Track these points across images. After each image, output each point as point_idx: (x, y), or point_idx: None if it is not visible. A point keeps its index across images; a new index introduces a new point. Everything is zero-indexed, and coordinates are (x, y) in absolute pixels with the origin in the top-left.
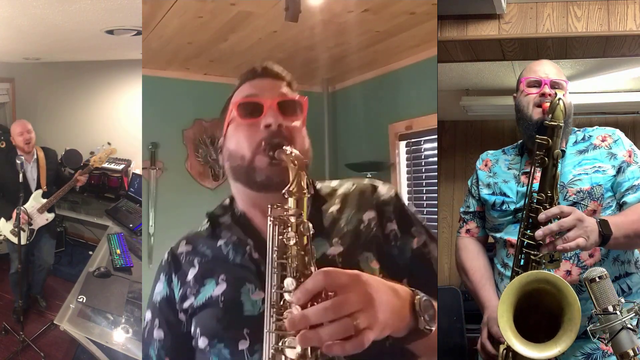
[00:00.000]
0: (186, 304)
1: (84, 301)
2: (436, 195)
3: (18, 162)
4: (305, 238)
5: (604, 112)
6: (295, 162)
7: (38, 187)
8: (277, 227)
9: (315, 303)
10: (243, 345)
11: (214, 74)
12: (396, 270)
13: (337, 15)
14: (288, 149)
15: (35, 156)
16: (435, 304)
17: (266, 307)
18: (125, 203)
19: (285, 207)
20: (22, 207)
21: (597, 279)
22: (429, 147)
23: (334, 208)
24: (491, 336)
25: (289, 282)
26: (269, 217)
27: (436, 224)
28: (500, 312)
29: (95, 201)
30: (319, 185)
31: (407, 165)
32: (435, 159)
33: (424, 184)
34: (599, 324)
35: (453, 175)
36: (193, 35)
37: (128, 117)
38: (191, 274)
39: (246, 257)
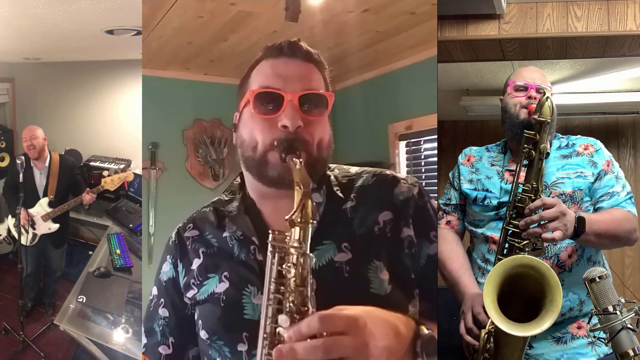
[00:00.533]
0: (190, 294)
1: (84, 301)
2: (436, 195)
3: (18, 162)
4: (305, 271)
5: (604, 112)
6: (301, 185)
7: (45, 194)
8: (277, 257)
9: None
10: (242, 347)
11: (214, 74)
12: (407, 282)
13: (337, 15)
14: (298, 163)
15: (46, 163)
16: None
17: (259, 339)
18: (125, 203)
19: (287, 234)
20: (21, 208)
21: (597, 279)
22: (429, 147)
23: (348, 205)
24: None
25: (283, 319)
26: (269, 243)
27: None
28: (485, 292)
29: (95, 201)
30: (336, 171)
31: (407, 165)
32: (435, 159)
33: (424, 184)
34: (599, 324)
35: None
36: (193, 35)
37: (128, 117)
38: (195, 264)
39: (250, 257)
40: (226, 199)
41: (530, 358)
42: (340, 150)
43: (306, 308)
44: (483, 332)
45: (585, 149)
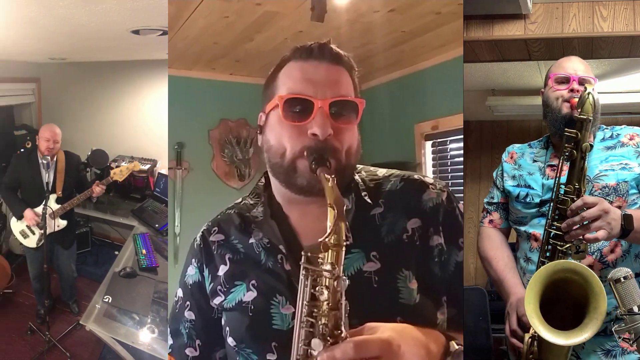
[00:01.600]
0: (217, 300)
1: (110, 301)
2: (462, 195)
3: (44, 162)
4: (338, 294)
5: (630, 112)
6: (334, 206)
7: (53, 191)
8: (309, 280)
9: None
10: (271, 357)
11: (240, 74)
12: (436, 289)
13: (363, 15)
14: (331, 180)
15: (54, 160)
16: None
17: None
18: (151, 203)
19: (321, 256)
20: (33, 209)
21: (622, 279)
22: (455, 147)
23: (377, 211)
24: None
25: (316, 344)
26: (302, 265)
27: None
28: (527, 299)
29: (121, 201)
30: (363, 173)
31: (433, 165)
32: (461, 158)
33: (450, 184)
34: (623, 325)
35: (479, 175)
36: (219, 35)
37: (154, 117)
38: (222, 270)
39: (278, 265)
40: (251, 202)
41: None
42: (367, 151)
43: (339, 331)
44: (527, 336)
45: (630, 139)
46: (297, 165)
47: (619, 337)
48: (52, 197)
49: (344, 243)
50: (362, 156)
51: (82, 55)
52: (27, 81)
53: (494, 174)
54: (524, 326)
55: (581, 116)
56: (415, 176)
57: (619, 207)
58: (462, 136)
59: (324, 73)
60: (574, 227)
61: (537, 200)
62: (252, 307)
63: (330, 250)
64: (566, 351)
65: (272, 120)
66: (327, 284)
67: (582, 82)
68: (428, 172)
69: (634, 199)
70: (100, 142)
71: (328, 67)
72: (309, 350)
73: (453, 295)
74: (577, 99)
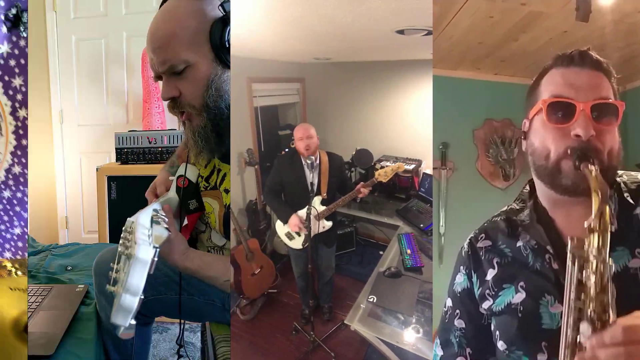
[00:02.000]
0: (485, 305)
1: (375, 301)
2: None
3: (308, 162)
4: (605, 278)
5: None
6: (599, 193)
7: (317, 193)
8: (576, 265)
9: None
10: (542, 357)
11: (505, 73)
12: None
13: (628, 15)
14: (593, 170)
15: (317, 161)
16: None
17: (561, 346)
18: (416, 203)
19: (587, 241)
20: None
21: None
22: None
23: (639, 211)
24: None
25: (584, 328)
26: (568, 251)
27: None
28: None
29: (386, 201)
30: (624, 177)
31: None
32: None
33: None
34: None
35: None
36: (483, 35)
37: (418, 117)
38: (490, 275)
39: (545, 265)
40: (517, 207)
41: None
42: (631, 149)
43: (607, 316)
44: None
45: None
46: (561, 166)
47: None
48: (317, 199)
49: (609, 227)
50: (628, 156)
51: (346, 55)
52: (291, 81)
53: None
54: None
55: None
56: None
57: None
58: None
59: (585, 78)
60: None
61: None
62: (521, 308)
63: (595, 234)
64: None
65: (535, 124)
66: (593, 268)
67: None
68: None
69: None
70: (364, 141)
71: (589, 73)
72: (577, 337)
73: None
74: None
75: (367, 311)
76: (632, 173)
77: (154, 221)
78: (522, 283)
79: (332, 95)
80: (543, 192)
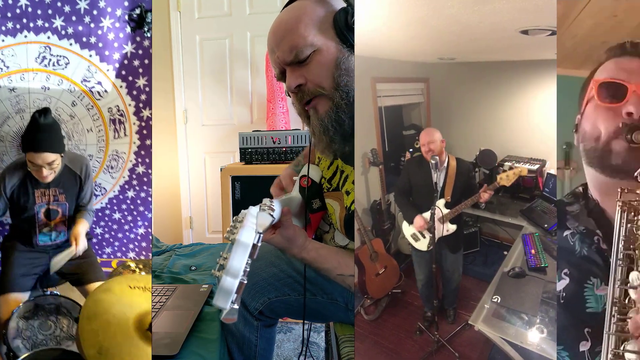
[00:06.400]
0: None
1: (499, 301)
2: None
3: (433, 162)
4: None
5: None
6: None
7: (442, 196)
8: (626, 213)
9: None
10: (584, 346)
11: None
12: None
13: None
14: None
15: (445, 164)
16: None
17: (607, 303)
18: (540, 203)
19: (638, 191)
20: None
21: None
22: None
23: None
24: None
25: (634, 277)
26: (617, 202)
27: None
28: None
29: (510, 201)
30: None
31: None
32: None
33: None
34: None
35: None
36: (607, 34)
37: (542, 117)
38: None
39: (593, 249)
40: (567, 201)
41: None
42: None
43: None
44: None
45: None
46: (612, 146)
47: None
48: (441, 202)
49: None
50: None
51: (471, 55)
52: (416, 81)
53: None
54: None
55: None
56: None
57: None
58: None
59: (638, 64)
60: None
61: None
62: (564, 294)
63: None
64: None
65: (587, 110)
66: None
67: None
68: None
69: None
70: (488, 142)
71: None
72: (627, 290)
73: None
74: None
75: (491, 311)
76: None
77: (261, 209)
78: (565, 270)
79: (456, 95)
80: (594, 180)
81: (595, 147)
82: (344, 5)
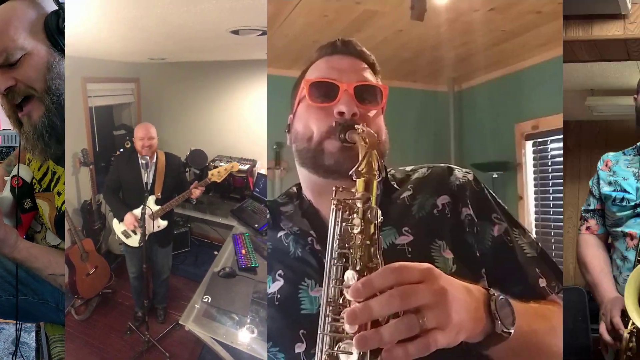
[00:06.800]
0: None
1: (209, 301)
2: (561, 195)
3: (143, 162)
4: (372, 226)
5: None
6: (367, 139)
7: (152, 192)
8: (341, 212)
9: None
10: (299, 348)
11: None
12: (472, 260)
13: (463, 14)
14: (360, 127)
15: (154, 161)
16: (514, 303)
17: (322, 304)
18: (251, 203)
19: (352, 190)
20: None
21: None
22: (555, 147)
23: (405, 194)
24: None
25: (349, 275)
26: (332, 200)
27: (562, 223)
28: (626, 295)
29: (221, 201)
30: (392, 170)
31: (534, 165)
32: (561, 159)
33: (550, 184)
34: None
35: (578, 175)
36: (318, 34)
37: (253, 117)
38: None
39: (307, 250)
40: (281, 201)
41: None
42: (466, 150)
43: (374, 265)
44: (626, 331)
45: None
46: (324, 146)
47: None
48: (151, 199)
49: (376, 172)
50: (462, 156)
51: (181, 55)
52: (126, 81)
53: (590, 183)
54: (614, 327)
55: None
56: (442, 165)
57: None
58: (561, 136)
59: (349, 63)
60: None
61: (632, 203)
62: (278, 296)
63: (362, 179)
64: None
65: (299, 110)
66: (360, 215)
67: None
68: (528, 172)
69: None
70: (199, 142)
71: (352, 59)
72: (342, 289)
73: (496, 271)
74: None
75: (201, 311)
76: (400, 167)
77: None
78: (280, 271)
79: (167, 96)
80: (307, 181)
81: (308, 147)
82: (55, 7)
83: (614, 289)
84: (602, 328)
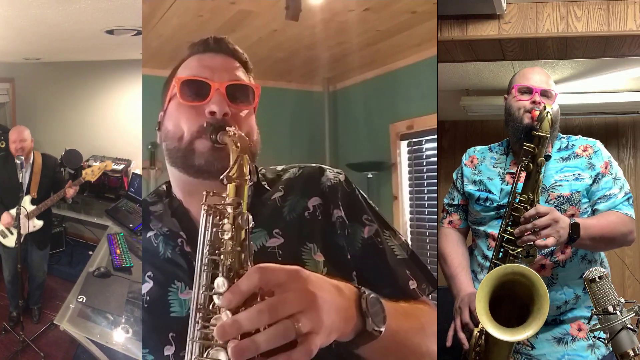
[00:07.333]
0: None
1: (84, 301)
2: (436, 195)
3: (18, 162)
4: (243, 232)
5: (604, 112)
6: (238, 144)
7: (28, 192)
8: (211, 217)
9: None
10: (169, 351)
11: None
12: (343, 263)
13: (338, 14)
14: (232, 129)
15: (30, 161)
16: (385, 302)
17: (191, 310)
18: (125, 203)
19: (223, 195)
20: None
21: (597, 279)
22: (430, 147)
23: (277, 195)
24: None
25: (219, 282)
26: (202, 206)
27: (436, 223)
28: (478, 297)
29: (95, 201)
30: (262, 170)
31: (409, 165)
32: (436, 158)
33: (425, 184)
34: (598, 324)
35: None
36: (193, 34)
37: (128, 117)
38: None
39: (177, 251)
40: (150, 200)
41: (533, 358)
42: (341, 150)
43: (245, 270)
44: (476, 330)
45: (584, 151)
46: (195, 146)
47: (594, 337)
48: (27, 198)
49: (247, 177)
50: (337, 155)
51: (56, 55)
52: (1, 81)
53: (454, 175)
54: (474, 320)
55: (539, 133)
56: (314, 165)
57: (572, 215)
58: (436, 136)
59: (221, 61)
60: (526, 233)
61: (495, 204)
62: (147, 298)
63: (232, 184)
64: (510, 345)
65: (170, 108)
66: (230, 220)
67: (543, 93)
68: (403, 172)
69: (585, 208)
70: (74, 142)
71: (224, 57)
72: (212, 296)
73: (366, 273)
74: (537, 112)
75: (76, 311)
76: (271, 167)
77: None
78: (149, 272)
79: (43, 95)
80: (177, 180)
81: (178, 146)
82: None
83: (470, 284)
84: (458, 323)
